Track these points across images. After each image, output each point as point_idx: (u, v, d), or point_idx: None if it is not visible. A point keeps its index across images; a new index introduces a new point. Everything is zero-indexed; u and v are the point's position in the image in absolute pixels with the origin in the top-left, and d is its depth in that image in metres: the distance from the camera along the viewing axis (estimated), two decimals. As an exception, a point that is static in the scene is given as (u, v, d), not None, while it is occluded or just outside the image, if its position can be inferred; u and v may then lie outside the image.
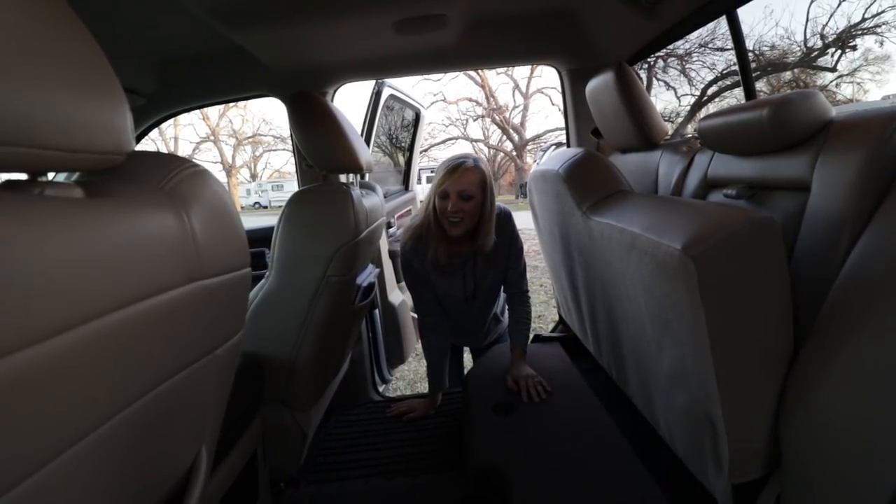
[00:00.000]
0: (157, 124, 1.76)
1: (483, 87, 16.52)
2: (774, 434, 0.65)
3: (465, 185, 1.24)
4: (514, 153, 17.02)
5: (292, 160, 1.90)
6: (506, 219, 1.38)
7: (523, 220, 1.53)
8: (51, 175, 0.36)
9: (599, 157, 1.11)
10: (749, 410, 0.65)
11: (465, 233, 1.29)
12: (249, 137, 19.98)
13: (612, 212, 0.92)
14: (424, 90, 16.24)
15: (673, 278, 0.65)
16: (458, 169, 1.24)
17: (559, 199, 1.14)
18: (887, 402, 0.51)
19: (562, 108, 1.80)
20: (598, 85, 1.33)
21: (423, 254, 1.36)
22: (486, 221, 1.29)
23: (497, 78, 16.43)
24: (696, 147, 1.15)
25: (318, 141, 1.09)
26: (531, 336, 1.77)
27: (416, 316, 2.22)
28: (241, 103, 16.34)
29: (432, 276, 1.40)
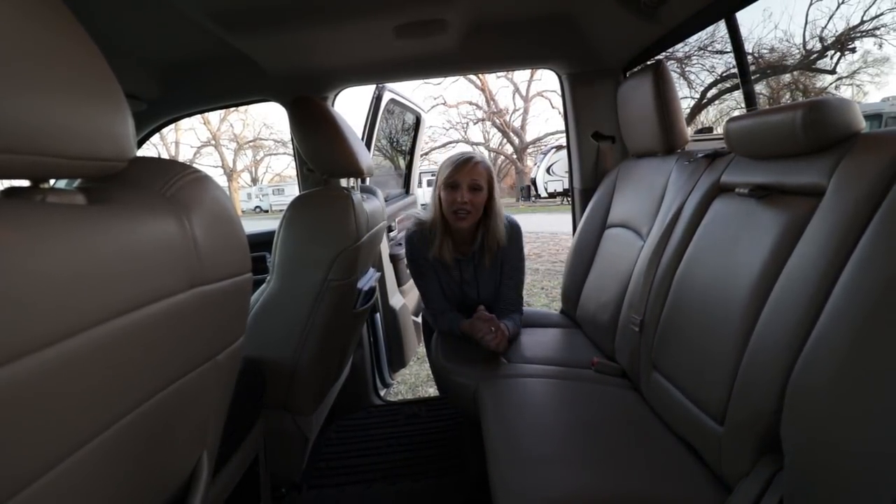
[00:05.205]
0: (158, 129, 1.77)
1: (483, 90, 16.57)
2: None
3: (475, 175, 1.27)
4: (515, 156, 17.05)
5: (293, 164, 1.90)
6: (517, 229, 1.42)
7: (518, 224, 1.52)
8: (52, 181, 0.36)
9: None
10: None
11: (470, 227, 1.32)
12: (250, 141, 20.07)
13: None
14: (425, 94, 16.29)
15: None
16: (468, 162, 1.28)
17: None
18: (891, 407, 0.51)
19: (562, 111, 1.80)
20: (633, 83, 1.33)
21: (427, 246, 1.39)
22: (495, 216, 1.32)
23: (497, 81, 16.56)
24: (713, 155, 1.13)
25: (319, 145, 1.09)
26: None
27: (416, 319, 2.22)
28: (242, 108, 16.43)
29: (434, 267, 1.43)
